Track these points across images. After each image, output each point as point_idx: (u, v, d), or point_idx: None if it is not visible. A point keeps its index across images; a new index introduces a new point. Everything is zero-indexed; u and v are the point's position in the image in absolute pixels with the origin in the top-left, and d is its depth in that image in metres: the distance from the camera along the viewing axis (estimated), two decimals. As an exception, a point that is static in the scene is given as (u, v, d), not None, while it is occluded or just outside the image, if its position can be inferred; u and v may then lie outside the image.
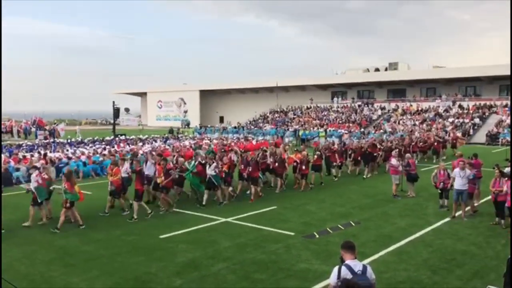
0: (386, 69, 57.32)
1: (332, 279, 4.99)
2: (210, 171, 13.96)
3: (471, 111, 44.00)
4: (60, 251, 9.77)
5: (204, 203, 13.93)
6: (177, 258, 9.18)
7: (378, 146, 21.37)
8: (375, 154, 20.72)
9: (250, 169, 14.97)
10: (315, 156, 17.68)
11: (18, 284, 6.81)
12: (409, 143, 23.68)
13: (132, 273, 8.36)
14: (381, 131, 40.46)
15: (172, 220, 12.40)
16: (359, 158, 20.45)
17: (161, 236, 10.74)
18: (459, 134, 32.56)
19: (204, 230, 11.43)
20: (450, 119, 42.96)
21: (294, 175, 17.19)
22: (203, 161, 14.64)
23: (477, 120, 41.55)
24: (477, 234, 10.86)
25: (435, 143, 25.65)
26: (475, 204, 13.14)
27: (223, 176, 14.37)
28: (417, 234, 10.84)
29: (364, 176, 19.58)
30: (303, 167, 16.54)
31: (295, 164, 16.94)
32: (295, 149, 19.94)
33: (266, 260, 9.06)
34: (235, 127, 49.99)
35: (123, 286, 7.78)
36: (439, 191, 13.44)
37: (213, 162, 14.22)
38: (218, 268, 8.60)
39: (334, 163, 19.46)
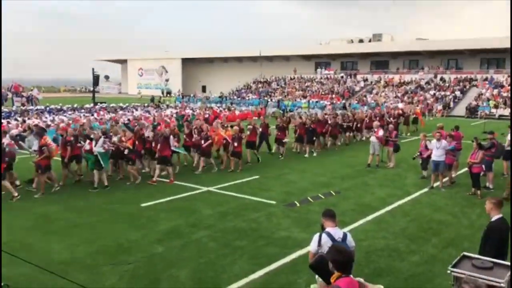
0: (370, 40, 57.19)
1: (313, 246, 5.08)
2: (97, 148, 12.14)
3: (452, 84, 44.43)
4: (40, 218, 9.70)
5: (95, 185, 12.11)
6: (159, 226, 9.20)
7: (328, 121, 19.58)
8: (322, 130, 19.08)
9: (159, 147, 13.06)
10: (248, 132, 16.15)
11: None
12: (362, 119, 22.03)
13: (113, 241, 8.36)
14: (355, 102, 40.66)
15: (153, 189, 12.37)
16: (303, 134, 17.99)
17: (143, 205, 10.73)
18: (419, 109, 31.02)
19: (186, 199, 11.44)
20: (432, 92, 43.36)
21: (224, 153, 15.55)
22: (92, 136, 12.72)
23: (457, 93, 42.02)
24: (453, 204, 11.13)
25: (392, 119, 22.63)
26: (453, 175, 13.41)
27: (126, 153, 12.84)
28: (396, 204, 11.06)
29: (306, 155, 17.76)
30: (236, 144, 14.66)
31: (224, 141, 15.20)
32: (226, 124, 17.64)
33: (246, 228, 9.15)
34: (220, 97, 49.64)
35: (104, 253, 7.78)
36: (420, 162, 13.67)
37: (100, 137, 12.40)
38: (199, 236, 8.66)
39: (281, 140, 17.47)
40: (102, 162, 12.19)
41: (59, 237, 8.54)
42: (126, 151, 12.99)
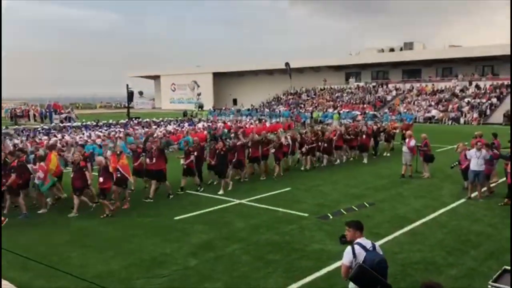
0: (401, 49, 56.35)
1: (346, 258, 5.03)
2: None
3: (488, 91, 43.18)
4: (77, 232, 9.95)
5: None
6: (192, 239, 9.28)
7: (286, 141, 16.37)
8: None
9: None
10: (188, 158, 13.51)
11: (38, 264, 6.97)
12: (330, 138, 17.85)
13: (148, 254, 8.48)
14: (355, 112, 39.96)
15: (186, 202, 12.49)
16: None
17: (176, 218, 10.85)
18: (397, 123, 26.05)
19: (218, 211, 11.51)
20: (466, 99, 42.27)
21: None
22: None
23: (494, 100, 40.80)
24: (493, 215, 10.76)
25: (364, 137, 19.04)
26: (492, 185, 12.98)
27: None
28: (432, 215, 10.77)
29: (220, 192, 13.31)
30: (101, 180, 11.27)
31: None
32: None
33: (280, 241, 9.11)
34: (248, 109, 49.88)
35: (139, 266, 7.90)
36: (461, 172, 13.12)
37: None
38: (232, 249, 8.67)
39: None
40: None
41: (95, 251, 8.73)
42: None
